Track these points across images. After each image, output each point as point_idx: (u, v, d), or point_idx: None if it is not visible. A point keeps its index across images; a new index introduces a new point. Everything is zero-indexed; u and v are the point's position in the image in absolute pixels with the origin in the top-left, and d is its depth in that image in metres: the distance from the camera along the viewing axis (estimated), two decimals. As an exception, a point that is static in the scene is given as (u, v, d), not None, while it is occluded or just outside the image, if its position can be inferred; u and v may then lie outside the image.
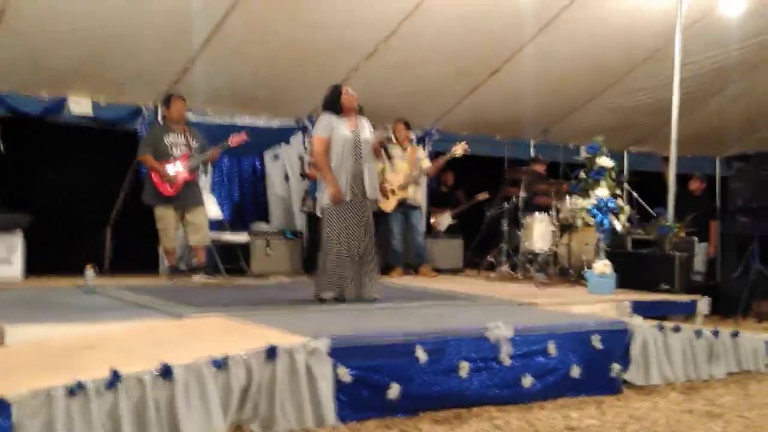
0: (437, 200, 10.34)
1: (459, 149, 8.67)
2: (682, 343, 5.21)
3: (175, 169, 7.59)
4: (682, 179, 9.63)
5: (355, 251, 5.87)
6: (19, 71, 7.59)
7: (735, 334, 5.54)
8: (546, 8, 8.24)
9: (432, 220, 9.88)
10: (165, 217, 7.64)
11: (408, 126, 9.01)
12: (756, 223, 8.24)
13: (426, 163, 8.96)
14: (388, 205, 8.77)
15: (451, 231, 9.85)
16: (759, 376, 5.45)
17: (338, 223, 5.85)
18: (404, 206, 8.84)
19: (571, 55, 9.02)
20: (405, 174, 8.78)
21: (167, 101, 7.78)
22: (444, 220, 9.81)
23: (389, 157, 6.03)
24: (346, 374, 3.92)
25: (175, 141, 7.66)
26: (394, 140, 8.90)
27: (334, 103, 5.98)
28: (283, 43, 7.94)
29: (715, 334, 5.42)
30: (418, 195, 9.00)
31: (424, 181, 9.61)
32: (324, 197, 5.94)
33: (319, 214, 6.07)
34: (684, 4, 7.86)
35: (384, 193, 8.73)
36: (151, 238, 8.41)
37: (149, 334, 4.51)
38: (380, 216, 8.90)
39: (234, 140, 7.72)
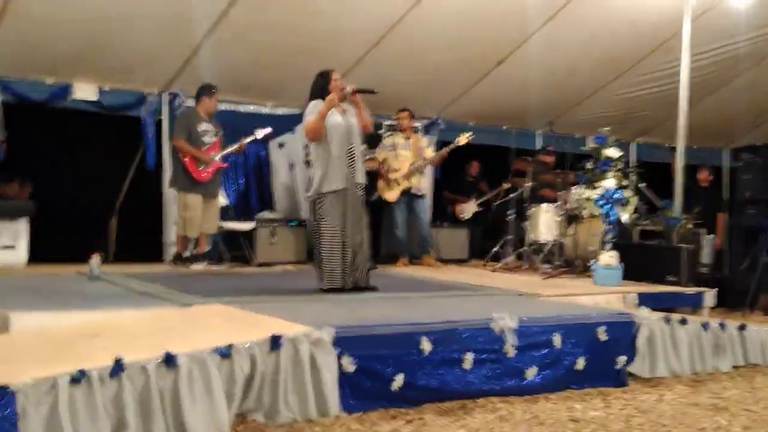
0: (461, 189, 10.31)
1: (463, 138, 8.66)
2: (688, 336, 5.18)
3: (209, 156, 7.63)
4: (690, 170, 9.58)
5: (352, 239, 5.84)
6: (24, 57, 7.57)
7: (742, 327, 5.51)
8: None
9: (457, 209, 9.85)
10: (194, 204, 7.60)
11: (412, 115, 8.99)
12: (765, 215, 8.21)
13: (430, 152, 8.93)
14: (392, 194, 8.75)
15: (469, 220, 9.81)
16: (765, 370, 5.42)
17: (335, 210, 5.81)
18: (408, 195, 8.82)
19: (579, 45, 8.97)
20: (409, 163, 8.75)
21: (210, 92, 7.74)
22: (469, 208, 9.77)
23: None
24: (350, 364, 3.90)
25: (206, 129, 7.69)
26: (398, 129, 8.92)
27: (322, 91, 5.93)
28: (288, 31, 7.90)
29: (722, 326, 5.39)
30: (423, 184, 8.97)
31: (429, 170, 9.59)
32: (322, 183, 5.83)
33: (307, 200, 6.02)
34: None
35: (388, 183, 8.72)
36: (156, 227, 8.42)
37: (153, 323, 4.50)
38: (384, 205, 8.91)
39: (261, 133, 7.91)
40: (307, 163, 8.89)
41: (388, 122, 9.36)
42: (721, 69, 9.67)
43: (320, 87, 5.95)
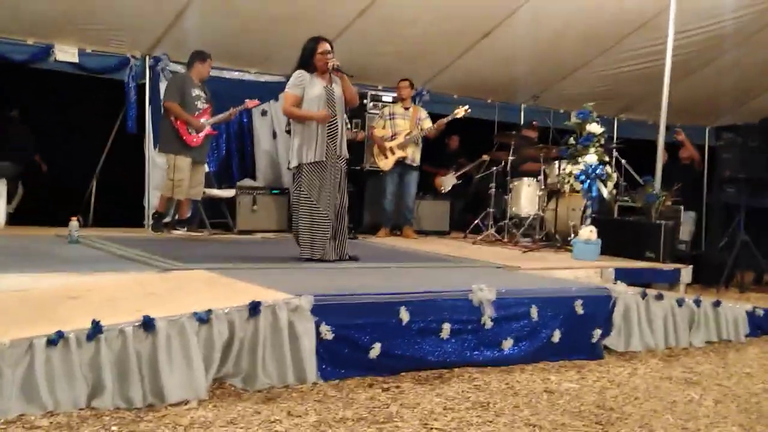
0: (441, 162, 10.30)
1: (461, 111, 8.65)
2: (663, 311, 5.26)
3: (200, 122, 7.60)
4: (673, 149, 9.64)
5: (332, 210, 5.83)
6: (5, 17, 7.44)
7: (717, 304, 5.59)
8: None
9: (436, 182, 9.85)
10: (184, 167, 7.53)
11: (412, 86, 8.98)
12: (743, 194, 8.28)
13: (428, 124, 8.88)
14: (387, 163, 8.75)
15: (451, 192, 9.82)
16: (738, 346, 5.52)
17: (316, 181, 5.79)
18: (402, 166, 8.81)
19: (564, 20, 8.94)
20: (405, 133, 8.74)
21: (202, 57, 7.65)
22: (448, 181, 9.77)
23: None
24: (328, 332, 3.93)
25: (199, 94, 7.63)
26: (398, 98, 8.94)
27: (308, 59, 5.87)
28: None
29: (697, 303, 5.47)
30: (417, 156, 8.93)
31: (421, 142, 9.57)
32: (302, 154, 5.80)
33: (292, 168, 6.00)
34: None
35: (383, 152, 8.72)
36: (137, 191, 8.37)
37: (133, 287, 4.49)
38: (376, 175, 8.92)
39: (250, 104, 7.96)
40: (289, 132, 8.89)
41: (373, 92, 9.30)
42: (706, 48, 9.67)
43: (307, 55, 5.88)
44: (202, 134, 7.59)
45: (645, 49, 9.50)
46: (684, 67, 9.39)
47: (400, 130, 8.76)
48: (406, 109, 8.89)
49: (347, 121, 7.39)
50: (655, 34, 8.71)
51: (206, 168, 8.28)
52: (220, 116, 7.78)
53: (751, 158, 8.47)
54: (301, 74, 5.86)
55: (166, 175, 7.61)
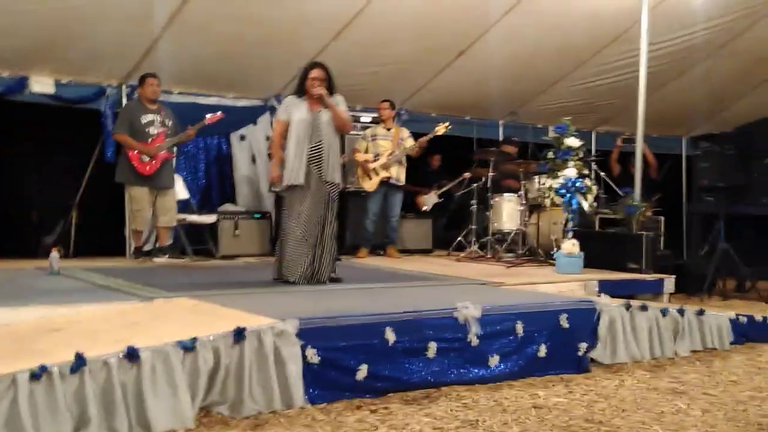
0: (422, 181, 10.33)
1: (441, 128, 8.68)
2: (648, 322, 5.27)
3: (154, 148, 7.52)
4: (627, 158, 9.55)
5: (312, 234, 5.82)
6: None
7: (700, 313, 5.62)
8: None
9: (418, 201, 9.86)
10: (140, 197, 7.54)
11: (393, 106, 9.02)
12: (722, 202, 8.37)
13: (410, 143, 8.91)
14: (371, 184, 8.76)
15: (433, 211, 9.82)
16: (723, 354, 5.54)
17: (296, 206, 5.81)
18: (387, 186, 8.82)
19: (539, 36, 9.02)
20: (388, 153, 8.76)
21: (142, 79, 7.66)
22: (430, 199, 9.78)
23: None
24: (314, 356, 3.91)
25: (151, 120, 7.59)
26: (379, 119, 8.99)
27: (299, 86, 5.97)
28: (249, 22, 7.82)
29: (681, 312, 5.49)
30: (402, 175, 8.94)
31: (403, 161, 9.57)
32: (282, 177, 5.86)
33: (276, 190, 6.06)
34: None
35: (367, 173, 8.73)
36: (117, 220, 8.32)
37: (116, 317, 4.45)
38: (358, 195, 8.93)
39: (210, 118, 7.73)
40: (270, 155, 8.89)
41: (352, 114, 9.30)
42: (679, 59, 9.79)
43: (300, 79, 5.99)
44: (156, 160, 7.54)
45: (620, 62, 9.61)
46: (658, 78, 9.49)
47: (383, 151, 8.79)
48: (388, 129, 8.93)
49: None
50: (629, 47, 8.81)
51: (184, 194, 8.26)
52: (175, 138, 7.69)
53: (728, 166, 8.57)
54: (288, 99, 6.00)
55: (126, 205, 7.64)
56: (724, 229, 8.24)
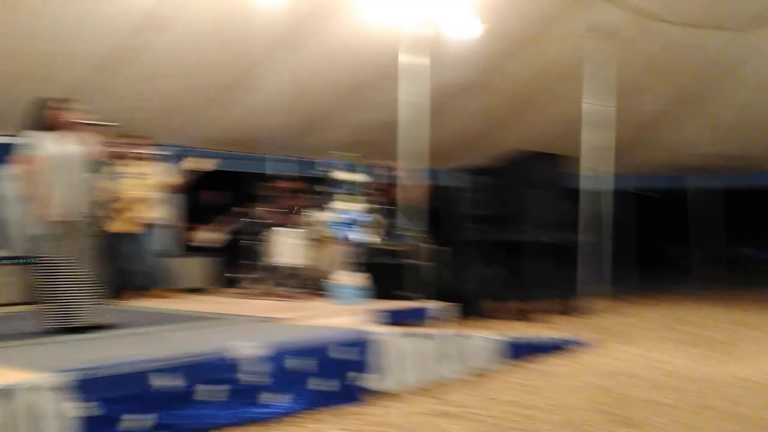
0: (196, 217, 10.07)
1: (205, 164, 8.48)
2: (416, 347, 5.47)
3: None
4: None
5: (86, 274, 5.56)
6: None
7: (464, 335, 5.92)
8: (278, 25, 8.31)
9: (191, 237, 9.59)
10: None
11: (137, 142, 8.58)
12: (481, 229, 8.92)
13: (162, 180, 8.59)
14: (118, 225, 8.26)
15: (207, 248, 9.62)
16: (488, 374, 5.84)
17: (62, 244, 5.51)
18: (136, 225, 8.41)
19: (309, 71, 9.22)
20: (136, 192, 8.38)
21: None
22: (202, 236, 9.55)
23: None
24: (79, 409, 3.68)
25: None
26: (124, 156, 8.51)
27: (37, 120, 5.65)
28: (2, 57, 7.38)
29: (446, 335, 5.76)
30: (154, 214, 8.58)
31: (169, 199, 9.27)
32: (42, 216, 5.51)
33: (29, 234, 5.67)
34: (407, 24, 8.29)
35: (113, 213, 8.23)
36: None
37: None
38: (121, 235, 8.47)
39: None
40: (23, 196, 8.26)
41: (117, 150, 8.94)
42: (436, 96, 10.34)
43: (35, 117, 5.64)
44: None
45: (384, 98, 9.98)
46: (420, 113, 9.98)
47: (130, 189, 8.34)
48: (136, 166, 8.49)
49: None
50: (393, 84, 9.20)
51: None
52: None
53: (488, 196, 9.17)
54: (32, 135, 5.61)
55: None
56: (487, 254, 8.76)
